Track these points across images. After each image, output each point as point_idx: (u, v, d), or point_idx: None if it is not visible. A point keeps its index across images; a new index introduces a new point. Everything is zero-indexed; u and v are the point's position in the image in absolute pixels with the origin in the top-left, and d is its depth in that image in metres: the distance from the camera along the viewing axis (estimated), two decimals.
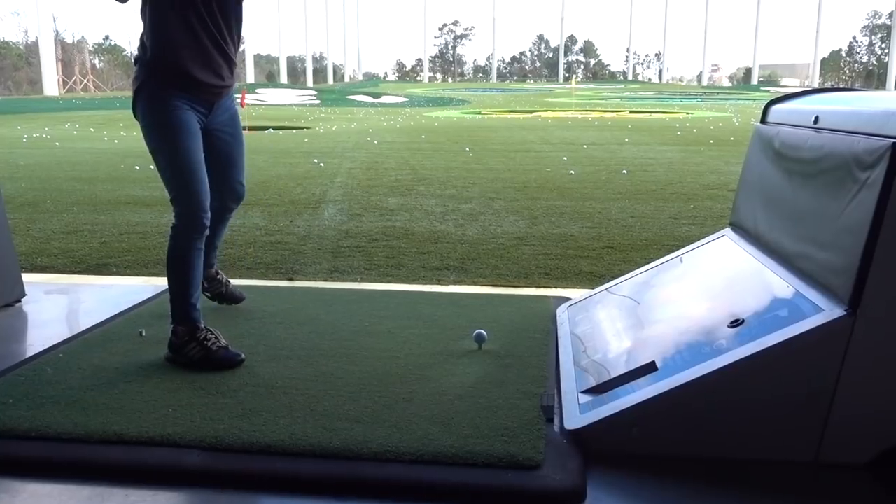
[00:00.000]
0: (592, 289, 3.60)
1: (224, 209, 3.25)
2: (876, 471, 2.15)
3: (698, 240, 3.43)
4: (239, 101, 18.29)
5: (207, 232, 2.93)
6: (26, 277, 3.92)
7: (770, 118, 3.11)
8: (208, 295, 3.50)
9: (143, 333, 3.17)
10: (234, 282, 4.04)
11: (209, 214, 2.91)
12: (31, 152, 12.49)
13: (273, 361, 2.87)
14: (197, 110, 2.90)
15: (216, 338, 2.90)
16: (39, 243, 5.30)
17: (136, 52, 2.93)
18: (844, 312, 2.09)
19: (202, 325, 2.91)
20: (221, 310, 3.47)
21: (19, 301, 3.75)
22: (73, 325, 3.49)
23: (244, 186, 3.28)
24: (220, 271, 3.56)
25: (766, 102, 3.25)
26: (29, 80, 56.46)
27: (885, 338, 2.09)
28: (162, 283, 4.11)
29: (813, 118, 2.64)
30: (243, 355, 2.89)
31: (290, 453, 2.17)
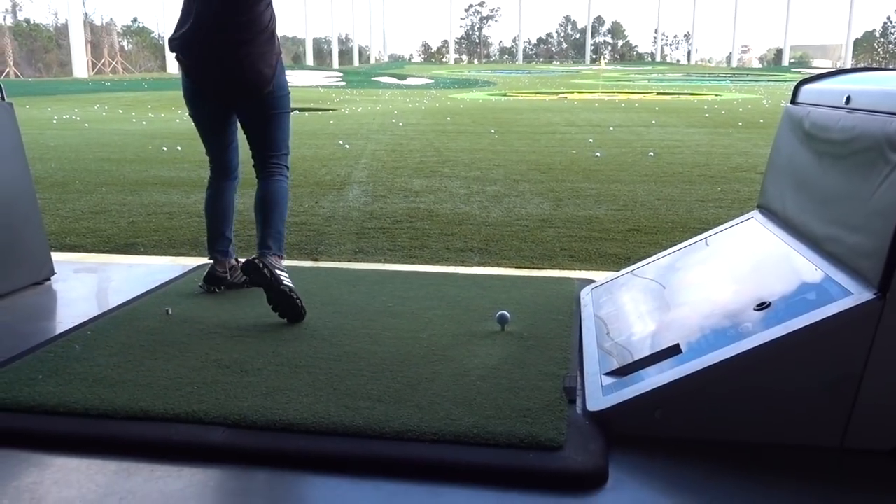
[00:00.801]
0: (617, 271, 3.58)
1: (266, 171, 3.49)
2: None
3: (725, 223, 3.39)
4: None
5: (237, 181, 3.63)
6: (55, 256, 3.98)
7: (801, 99, 3.06)
8: (243, 281, 3.51)
9: (170, 312, 3.20)
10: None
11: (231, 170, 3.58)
12: (60, 133, 12.64)
13: (297, 341, 2.88)
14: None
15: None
16: (68, 223, 5.37)
17: (246, 21, 3.16)
18: (874, 296, 2.05)
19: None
20: (246, 290, 3.48)
21: (48, 279, 3.81)
22: (101, 304, 3.53)
23: (278, 154, 3.49)
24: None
25: (796, 83, 3.19)
26: (59, 62, 57.03)
27: None
28: (188, 262, 4.17)
29: (844, 98, 2.59)
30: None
31: (312, 431, 2.18)
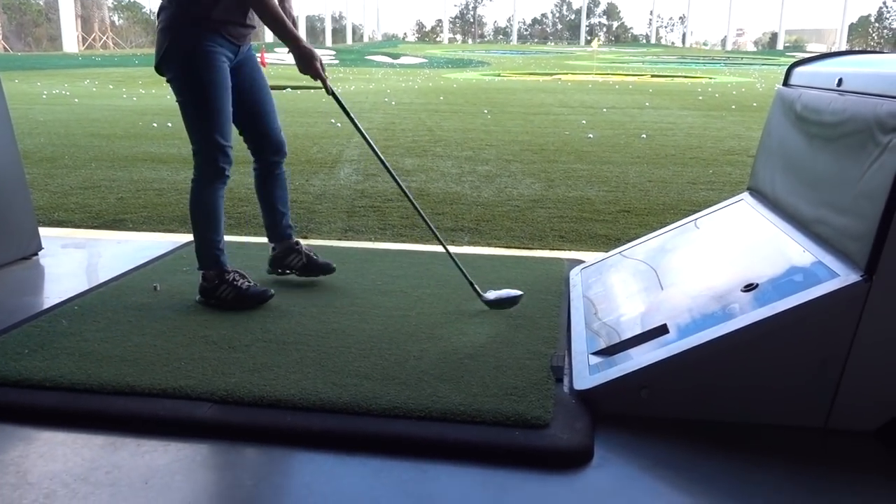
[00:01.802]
0: (607, 252, 3.58)
1: (268, 164, 3.20)
2: (884, 438, 2.14)
3: (715, 205, 3.40)
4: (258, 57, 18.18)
5: (228, 180, 2.97)
6: (43, 231, 3.95)
7: (793, 81, 3.05)
8: (295, 273, 3.32)
9: (158, 288, 3.19)
10: (248, 239, 4.06)
11: (232, 164, 2.94)
12: (50, 108, 12.52)
13: (285, 318, 2.88)
14: (227, 56, 2.88)
15: (244, 277, 2.98)
16: (57, 198, 5.33)
17: (160, 2, 2.88)
18: (860, 278, 2.06)
19: (229, 268, 2.98)
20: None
21: (36, 254, 3.79)
22: (89, 279, 3.52)
23: (280, 131, 3.21)
24: (299, 241, 3.36)
25: (789, 65, 3.19)
26: (48, 37, 56.46)
27: None
28: (177, 238, 4.15)
29: (836, 80, 2.59)
30: (273, 291, 3.00)
31: (299, 408, 2.19)
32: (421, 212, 3.13)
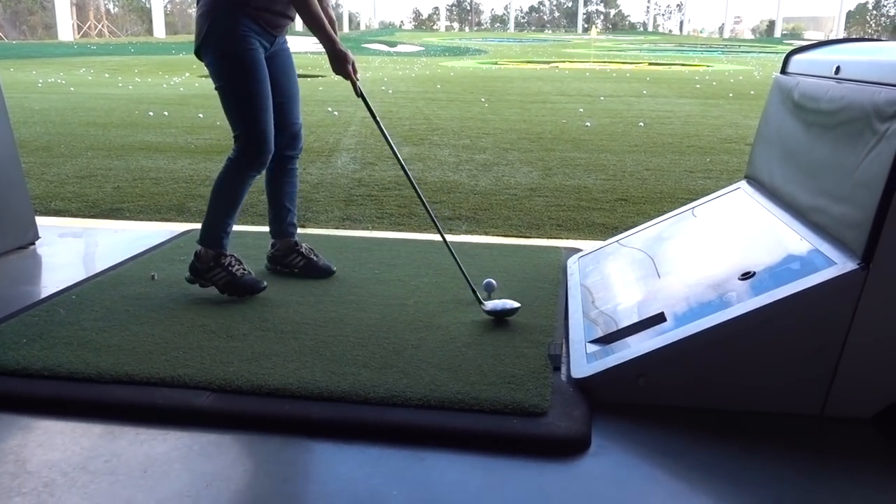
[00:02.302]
0: (604, 240, 3.59)
1: (281, 159, 3.15)
2: (880, 425, 2.16)
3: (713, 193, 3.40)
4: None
5: (264, 168, 2.98)
6: (40, 221, 3.95)
7: (790, 69, 3.05)
8: (295, 270, 3.29)
9: (156, 277, 3.19)
10: (246, 228, 4.06)
11: (273, 152, 2.95)
12: (45, 97, 12.47)
13: (283, 306, 2.88)
14: (263, 45, 2.89)
15: (240, 264, 2.97)
16: (53, 187, 5.32)
17: None
18: (857, 266, 2.07)
19: (227, 252, 2.97)
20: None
21: (33, 244, 3.79)
22: (86, 268, 3.52)
23: (300, 127, 3.21)
24: (300, 242, 3.33)
25: (787, 52, 3.18)
26: (43, 25, 56.13)
27: None
28: (175, 227, 4.15)
29: (834, 68, 2.59)
30: (265, 282, 2.98)
31: (298, 396, 2.19)
32: (431, 213, 3.10)
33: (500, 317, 2.77)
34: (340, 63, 2.89)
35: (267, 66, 2.93)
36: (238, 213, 3.01)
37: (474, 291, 2.86)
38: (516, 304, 2.78)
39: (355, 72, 2.94)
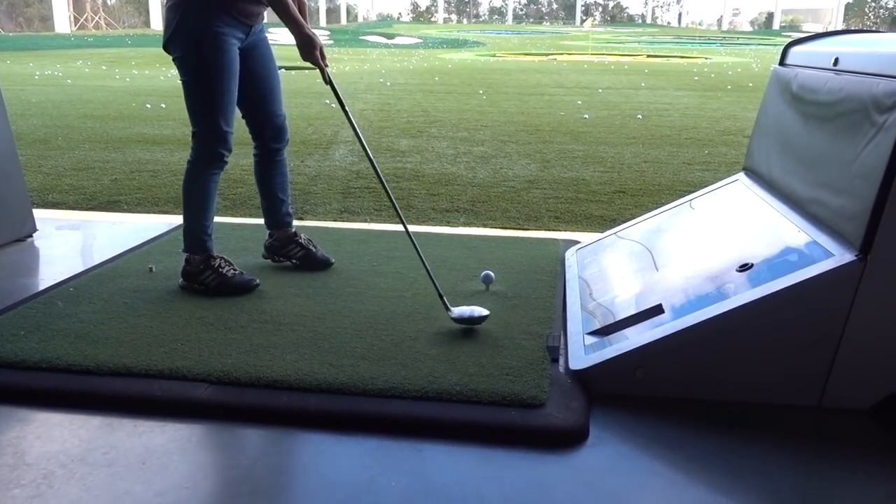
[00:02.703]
0: (602, 233, 3.59)
1: (268, 151, 3.14)
2: (878, 416, 2.16)
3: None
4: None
5: (226, 165, 2.93)
6: (37, 213, 3.94)
7: (789, 60, 3.04)
8: (294, 262, 3.28)
9: (153, 269, 3.18)
10: (243, 220, 4.05)
11: (232, 151, 2.90)
12: (42, 89, 12.43)
13: (281, 299, 2.88)
14: (236, 37, 2.83)
15: (230, 265, 2.96)
16: (51, 180, 5.31)
17: None
18: (855, 258, 2.07)
19: (215, 254, 2.96)
20: (227, 248, 3.47)
21: (30, 236, 3.78)
22: (84, 261, 3.51)
23: (284, 118, 3.14)
24: (299, 233, 3.32)
25: (785, 44, 3.17)
26: (40, 17, 55.91)
27: None
28: (172, 220, 4.14)
29: (832, 60, 2.58)
30: (258, 280, 2.98)
31: (296, 388, 2.19)
32: (393, 200, 3.07)
33: (469, 324, 2.62)
34: (308, 49, 2.80)
35: (246, 59, 2.90)
36: (212, 212, 2.98)
37: (441, 298, 2.71)
38: (485, 312, 2.63)
39: (323, 58, 2.87)
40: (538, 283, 3.07)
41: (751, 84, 14.79)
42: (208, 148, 2.86)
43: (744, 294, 2.19)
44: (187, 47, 2.77)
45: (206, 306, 2.79)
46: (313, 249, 3.30)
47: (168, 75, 15.06)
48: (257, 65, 2.98)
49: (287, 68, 17.96)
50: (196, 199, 2.94)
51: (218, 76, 2.78)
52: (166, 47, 2.83)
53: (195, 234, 2.95)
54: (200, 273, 2.93)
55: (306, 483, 1.85)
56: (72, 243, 3.92)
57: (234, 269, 2.98)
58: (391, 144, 7.12)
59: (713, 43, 43.38)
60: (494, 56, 28.23)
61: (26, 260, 3.54)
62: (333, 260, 3.32)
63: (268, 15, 2.93)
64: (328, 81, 2.92)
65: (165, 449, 1.96)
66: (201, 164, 2.90)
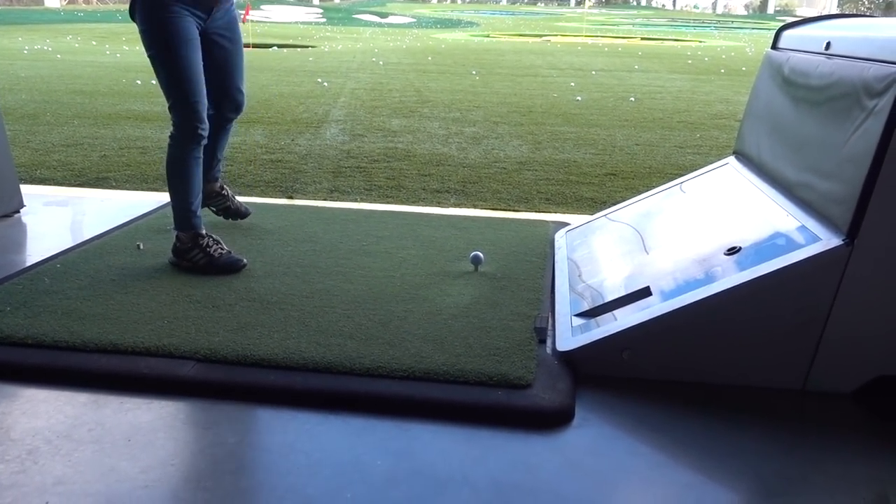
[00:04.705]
0: (592, 215, 3.59)
1: (222, 119, 3.22)
2: (861, 400, 2.18)
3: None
4: (241, 15, 17.89)
5: (205, 142, 2.93)
6: (25, 189, 3.91)
7: (781, 44, 3.04)
8: (213, 210, 3.50)
9: (141, 246, 3.17)
10: None
11: (207, 125, 2.90)
12: (32, 64, 12.31)
13: (269, 277, 2.87)
14: (196, 15, 2.83)
15: (218, 244, 2.95)
16: (39, 155, 5.27)
17: None
18: (842, 242, 2.07)
19: (204, 232, 2.96)
20: (218, 225, 3.46)
21: (18, 212, 3.76)
22: (72, 237, 3.49)
23: (244, 95, 3.21)
24: (224, 186, 3.52)
25: (778, 28, 3.17)
26: None
27: (882, 269, 2.08)
28: (161, 197, 4.12)
29: (825, 44, 2.58)
30: (245, 260, 2.98)
31: (283, 367, 2.19)
32: None
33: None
34: None
35: (212, 33, 2.93)
36: (197, 189, 2.98)
37: None
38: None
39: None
40: (527, 265, 3.07)
41: (744, 68, 14.77)
42: (185, 123, 2.85)
43: (731, 277, 2.20)
44: (147, 20, 2.78)
45: (193, 284, 2.78)
46: (230, 204, 3.53)
47: None
48: (224, 39, 3.02)
49: (280, 46, 17.84)
50: (179, 176, 2.94)
51: (176, 45, 2.77)
52: (132, 16, 2.85)
53: (182, 212, 2.96)
54: (188, 251, 2.93)
55: (292, 461, 1.85)
56: (59, 219, 3.89)
57: (223, 249, 2.97)
58: (383, 124, 7.09)
59: (707, 26, 43.25)
60: (488, 37, 28.08)
61: (13, 236, 3.52)
62: (251, 210, 3.61)
63: None
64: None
65: (151, 426, 1.96)
66: (178, 141, 2.89)
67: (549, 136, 6.69)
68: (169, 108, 2.87)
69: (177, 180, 2.94)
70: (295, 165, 5.18)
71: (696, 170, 3.42)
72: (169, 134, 2.92)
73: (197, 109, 2.84)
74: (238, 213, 3.56)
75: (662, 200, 3.24)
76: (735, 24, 47.19)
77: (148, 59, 2.82)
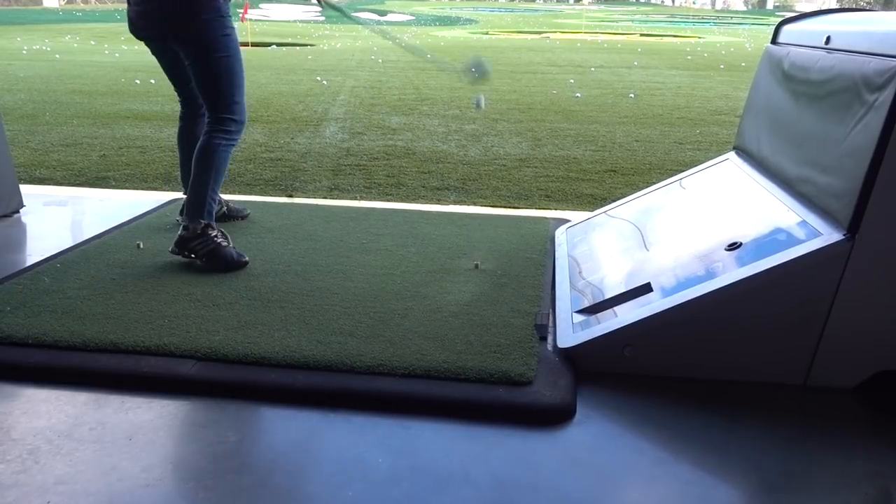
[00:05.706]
0: (593, 211, 3.58)
1: (195, 116, 3.28)
2: (863, 395, 2.17)
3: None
4: (240, 13, 17.88)
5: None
6: (25, 189, 3.91)
7: (781, 38, 3.03)
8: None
9: (141, 246, 3.17)
10: (232, 197, 4.03)
11: None
12: (30, 64, 12.30)
13: (269, 276, 2.87)
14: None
15: (225, 238, 2.99)
16: (38, 155, 5.26)
17: None
18: (843, 237, 2.07)
19: (215, 224, 3.00)
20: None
21: (17, 212, 3.75)
22: (72, 237, 3.48)
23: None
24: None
25: (778, 22, 3.16)
26: None
27: (883, 263, 2.07)
28: (161, 196, 4.12)
29: (824, 38, 2.57)
30: (247, 258, 3.00)
31: (283, 365, 2.19)
32: None
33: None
34: None
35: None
36: (221, 182, 3.05)
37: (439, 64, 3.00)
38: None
39: None
40: (527, 262, 3.07)
41: (743, 64, 14.74)
42: (238, 125, 2.99)
43: (731, 273, 2.19)
44: (217, 30, 2.82)
45: (193, 283, 2.78)
46: (225, 210, 3.54)
47: None
48: None
49: (279, 45, 17.82)
50: (216, 168, 2.98)
51: (238, 50, 2.92)
52: (162, 36, 2.89)
53: (202, 201, 2.96)
54: (194, 239, 2.92)
55: (293, 459, 1.85)
56: (59, 219, 3.89)
57: (229, 244, 2.98)
58: (382, 122, 7.09)
59: (707, 22, 43.20)
60: (487, 34, 28.04)
61: (13, 236, 3.52)
62: (249, 211, 3.64)
63: None
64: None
65: (152, 425, 1.96)
66: (232, 134, 2.99)
67: (549, 132, 6.68)
68: (223, 106, 2.93)
69: (212, 171, 2.97)
70: (294, 164, 5.18)
71: (696, 165, 3.42)
72: (212, 133, 2.95)
73: (244, 107, 3.02)
74: (237, 215, 3.58)
75: (662, 196, 3.23)
76: (734, 20, 47.10)
77: (192, 62, 2.87)
